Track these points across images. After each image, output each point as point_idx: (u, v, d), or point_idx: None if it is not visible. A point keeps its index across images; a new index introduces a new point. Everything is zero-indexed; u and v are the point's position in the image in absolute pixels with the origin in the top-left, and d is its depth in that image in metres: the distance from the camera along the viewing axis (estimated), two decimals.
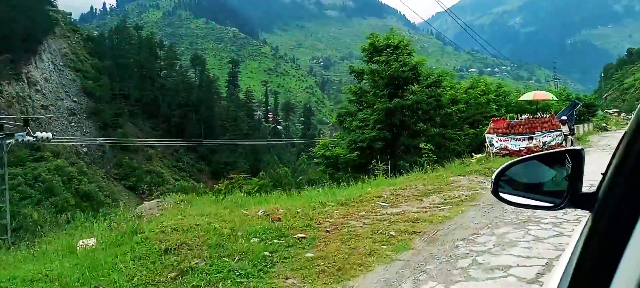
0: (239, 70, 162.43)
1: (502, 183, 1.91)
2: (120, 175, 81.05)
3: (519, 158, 1.99)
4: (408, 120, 24.87)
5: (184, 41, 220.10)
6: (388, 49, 25.33)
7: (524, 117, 21.81)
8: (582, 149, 1.64)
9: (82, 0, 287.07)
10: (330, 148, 26.47)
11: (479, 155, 20.50)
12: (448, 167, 16.60)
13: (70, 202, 63.87)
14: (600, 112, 55.61)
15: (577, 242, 1.50)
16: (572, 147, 1.77)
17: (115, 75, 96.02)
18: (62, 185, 66.83)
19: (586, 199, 1.51)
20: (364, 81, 27.00)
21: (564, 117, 23.25)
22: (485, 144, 21.19)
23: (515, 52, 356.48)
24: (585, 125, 39.52)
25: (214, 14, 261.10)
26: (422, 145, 20.20)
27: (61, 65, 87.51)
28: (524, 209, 6.60)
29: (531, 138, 20.32)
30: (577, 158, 1.63)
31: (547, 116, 21.42)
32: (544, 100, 27.77)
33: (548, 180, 1.84)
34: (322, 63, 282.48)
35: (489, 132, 20.96)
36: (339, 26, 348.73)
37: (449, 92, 27.88)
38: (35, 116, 76.57)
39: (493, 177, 1.91)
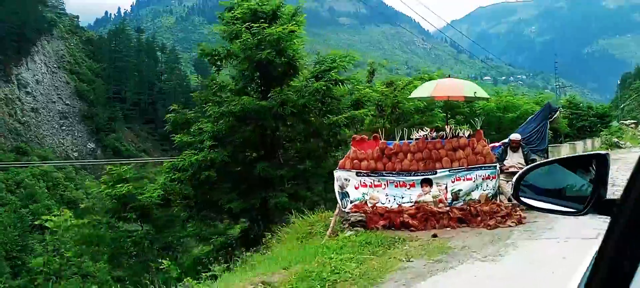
0: None
1: (523, 188, 1.88)
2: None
3: (540, 162, 1.93)
4: (282, 134, 16.30)
5: (195, 47, 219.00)
6: (235, 12, 16.03)
7: (417, 135, 11.01)
8: (608, 154, 1.60)
9: (99, 6, 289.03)
10: (133, 180, 17.43)
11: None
12: None
13: (54, 211, 61.12)
14: (615, 123, 51.14)
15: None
16: (596, 152, 1.67)
17: (112, 78, 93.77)
18: (46, 191, 64.06)
19: (611, 205, 1.46)
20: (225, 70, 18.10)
21: (515, 136, 12.13)
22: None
23: (531, 60, 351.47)
24: (592, 140, 34.75)
25: None
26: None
27: (55, 67, 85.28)
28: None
29: (428, 181, 10.25)
30: (602, 163, 1.59)
31: (466, 133, 11.02)
32: (454, 99, 14.54)
33: (571, 185, 1.80)
34: None
35: (342, 167, 10.62)
36: (352, 33, 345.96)
37: (365, 90, 18.29)
38: (23, 119, 74.40)
39: (514, 180, 1.90)
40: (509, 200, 10.26)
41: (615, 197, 1.35)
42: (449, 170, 10.31)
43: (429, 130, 11.31)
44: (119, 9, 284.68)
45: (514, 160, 11.53)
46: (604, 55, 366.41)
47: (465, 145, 10.65)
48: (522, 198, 1.87)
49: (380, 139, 10.98)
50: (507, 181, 10.91)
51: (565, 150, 24.66)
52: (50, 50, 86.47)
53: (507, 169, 11.19)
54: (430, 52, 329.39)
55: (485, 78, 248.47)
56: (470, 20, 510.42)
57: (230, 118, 15.24)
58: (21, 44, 79.73)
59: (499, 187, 10.47)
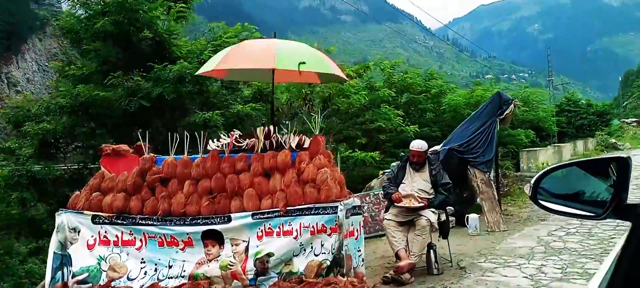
0: None
1: (541, 190, 1.84)
2: None
3: (558, 164, 1.92)
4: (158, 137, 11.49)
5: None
6: None
7: (212, 146, 5.72)
8: (629, 157, 1.57)
9: None
10: None
11: None
12: None
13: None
14: (616, 121, 49.47)
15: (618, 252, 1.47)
16: (617, 155, 1.63)
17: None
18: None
19: (632, 210, 1.46)
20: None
21: (418, 144, 6.73)
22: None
23: (534, 58, 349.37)
24: (585, 142, 32.74)
25: (228, 18, 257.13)
26: None
27: (46, 65, 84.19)
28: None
29: (215, 236, 5.14)
30: (623, 166, 1.55)
31: (294, 141, 5.56)
32: (291, 79, 8.47)
33: (590, 189, 1.78)
34: None
35: (72, 207, 5.50)
36: (353, 31, 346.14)
37: None
38: None
39: (532, 182, 1.83)
40: (399, 262, 6.16)
41: (637, 202, 1.33)
42: (252, 215, 5.14)
43: (230, 137, 5.79)
44: None
45: (416, 184, 6.57)
46: (607, 53, 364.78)
47: (287, 166, 5.34)
48: (540, 201, 1.78)
49: (145, 152, 5.83)
50: (399, 222, 6.42)
51: (543, 156, 20.89)
52: (42, 49, 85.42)
53: (400, 201, 6.38)
54: (432, 50, 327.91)
55: (487, 76, 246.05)
56: (473, 17, 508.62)
57: (64, 115, 10.68)
58: (11, 41, 78.78)
59: (341, 248, 5.00)
